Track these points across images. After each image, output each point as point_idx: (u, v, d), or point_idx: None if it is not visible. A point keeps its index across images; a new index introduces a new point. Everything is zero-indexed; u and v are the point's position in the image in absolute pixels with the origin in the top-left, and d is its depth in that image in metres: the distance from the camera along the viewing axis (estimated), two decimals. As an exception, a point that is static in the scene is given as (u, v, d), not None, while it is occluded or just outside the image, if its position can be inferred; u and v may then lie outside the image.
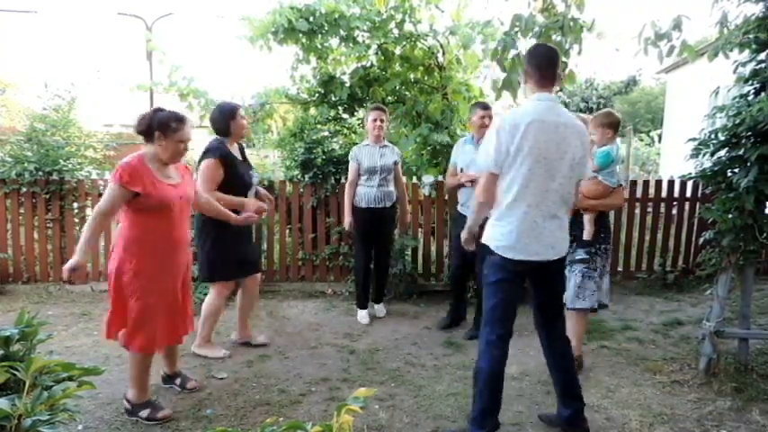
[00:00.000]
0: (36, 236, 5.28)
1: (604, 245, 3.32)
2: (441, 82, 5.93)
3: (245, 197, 3.52)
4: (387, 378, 3.37)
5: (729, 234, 3.20)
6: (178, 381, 3.19)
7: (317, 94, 6.12)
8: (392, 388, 3.23)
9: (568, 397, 2.65)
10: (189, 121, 2.82)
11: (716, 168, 3.30)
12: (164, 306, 2.79)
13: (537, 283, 2.63)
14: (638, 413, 2.92)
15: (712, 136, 3.32)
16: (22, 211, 5.24)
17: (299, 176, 5.39)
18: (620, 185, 3.39)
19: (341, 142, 5.98)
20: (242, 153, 3.71)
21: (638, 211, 5.47)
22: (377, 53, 5.90)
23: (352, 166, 4.40)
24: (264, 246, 5.35)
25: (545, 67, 2.46)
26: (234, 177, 3.45)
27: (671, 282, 5.38)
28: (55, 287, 5.27)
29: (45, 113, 5.81)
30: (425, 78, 6.11)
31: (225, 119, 3.50)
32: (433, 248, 5.32)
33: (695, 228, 5.39)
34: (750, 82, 3.23)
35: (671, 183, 5.51)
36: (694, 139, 3.43)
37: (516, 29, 3.64)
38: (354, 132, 6.36)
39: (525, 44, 3.71)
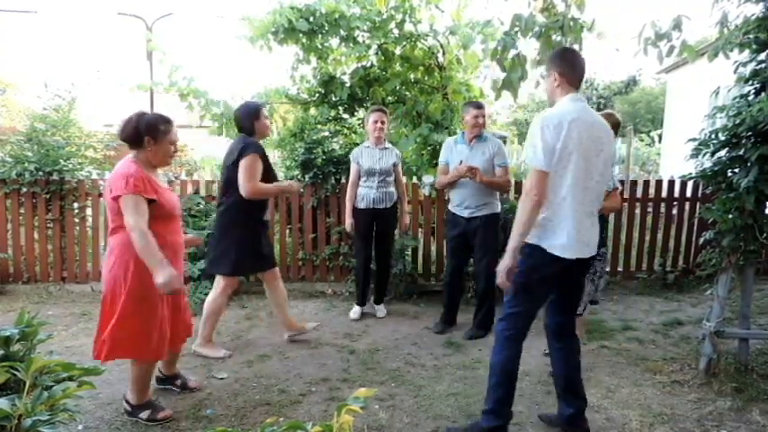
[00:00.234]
0: (36, 236, 5.28)
1: (602, 248, 3.32)
2: (441, 82, 5.94)
3: None
4: (387, 378, 3.37)
5: (729, 234, 3.20)
6: (178, 382, 3.17)
7: (317, 95, 6.12)
8: (392, 388, 3.23)
9: (572, 395, 2.65)
10: (174, 121, 2.79)
11: (716, 168, 3.30)
12: (168, 313, 2.78)
13: (562, 280, 2.61)
14: (639, 413, 2.92)
15: (712, 136, 3.31)
16: (22, 211, 5.24)
17: (299, 177, 5.39)
18: (616, 188, 3.39)
19: (341, 142, 5.98)
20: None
21: (638, 211, 5.47)
22: (377, 53, 5.90)
23: (352, 168, 4.47)
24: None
25: (580, 68, 2.52)
26: (268, 172, 3.57)
27: (671, 282, 5.38)
28: (55, 287, 5.27)
29: (45, 113, 5.81)
30: (425, 78, 6.11)
31: (250, 118, 3.58)
32: (433, 248, 5.32)
33: (695, 228, 5.39)
34: (750, 82, 3.23)
35: (671, 183, 5.51)
36: (694, 140, 3.43)
37: (516, 29, 3.64)
38: (354, 132, 6.36)
39: (525, 44, 3.71)
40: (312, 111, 6.11)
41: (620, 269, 5.51)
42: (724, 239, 3.23)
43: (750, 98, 3.23)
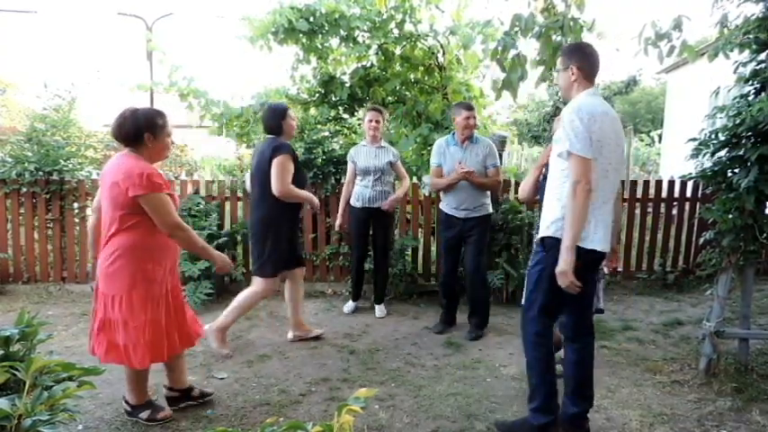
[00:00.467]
0: (36, 236, 5.28)
1: None
2: (441, 82, 5.94)
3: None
4: (387, 378, 3.37)
5: (729, 234, 3.20)
6: (196, 392, 3.00)
7: (317, 94, 6.13)
8: (392, 388, 3.23)
9: (579, 396, 2.63)
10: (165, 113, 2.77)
11: (716, 168, 3.30)
12: (173, 312, 2.76)
13: (581, 275, 2.57)
14: (639, 413, 2.92)
15: (712, 136, 3.31)
16: (22, 211, 5.24)
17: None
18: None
19: (341, 142, 5.98)
20: None
21: (638, 211, 5.47)
22: (377, 53, 5.91)
23: (349, 167, 4.54)
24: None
25: (597, 63, 2.53)
26: (298, 172, 3.62)
27: (671, 282, 5.38)
28: (55, 287, 5.27)
29: (45, 113, 5.81)
30: (426, 78, 6.11)
31: (277, 119, 3.63)
32: (433, 248, 5.32)
33: (695, 228, 5.38)
34: (750, 82, 3.23)
35: (671, 183, 5.51)
36: (694, 140, 3.43)
37: (516, 29, 3.64)
38: (354, 132, 6.37)
39: (525, 44, 3.71)
40: (312, 111, 6.11)
41: (620, 269, 5.51)
42: (724, 239, 3.23)
43: (750, 98, 3.23)
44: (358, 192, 4.46)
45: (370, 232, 4.57)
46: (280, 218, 3.62)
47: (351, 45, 5.76)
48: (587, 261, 2.45)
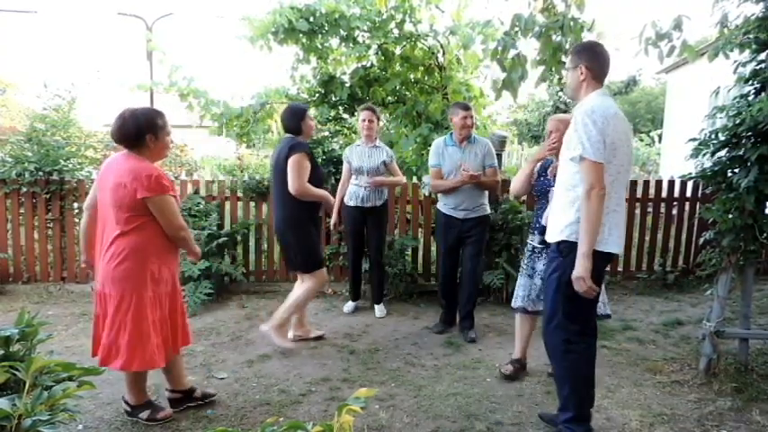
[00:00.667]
0: (36, 236, 5.28)
1: None
2: (441, 82, 5.94)
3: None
4: (387, 378, 3.37)
5: (729, 234, 3.20)
6: (198, 393, 2.98)
7: (317, 94, 6.13)
8: (392, 388, 3.23)
9: None
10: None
11: (716, 168, 3.30)
12: (174, 313, 2.76)
13: (596, 276, 2.56)
14: (639, 413, 2.92)
15: (712, 136, 3.32)
16: (22, 211, 5.24)
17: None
18: None
19: (341, 142, 5.99)
20: None
21: (638, 211, 5.47)
22: (377, 53, 5.91)
23: (344, 166, 4.57)
24: (265, 246, 5.36)
25: (607, 64, 2.51)
26: (315, 171, 3.63)
27: (671, 282, 5.38)
28: (55, 287, 5.27)
29: (45, 113, 5.81)
30: (426, 78, 6.12)
31: (296, 119, 3.66)
32: (433, 248, 5.32)
33: (695, 228, 5.39)
34: (750, 82, 3.23)
35: (671, 183, 5.51)
36: (694, 140, 3.43)
37: (516, 29, 3.64)
38: (354, 132, 6.37)
39: (525, 44, 3.71)
40: (312, 111, 6.11)
41: (620, 269, 5.51)
42: (724, 239, 3.23)
43: (750, 98, 3.23)
44: (351, 191, 4.48)
45: (365, 232, 4.57)
46: (302, 214, 3.65)
47: (351, 45, 5.76)
48: (602, 263, 2.45)
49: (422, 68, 6.06)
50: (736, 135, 3.16)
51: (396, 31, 5.72)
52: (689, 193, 5.44)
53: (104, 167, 2.68)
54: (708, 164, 3.38)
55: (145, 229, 2.58)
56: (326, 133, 5.94)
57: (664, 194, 5.58)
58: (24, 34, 45.54)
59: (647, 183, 5.67)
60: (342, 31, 5.61)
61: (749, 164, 3.06)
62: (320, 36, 5.65)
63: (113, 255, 2.58)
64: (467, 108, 4.01)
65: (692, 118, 5.98)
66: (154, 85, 6.15)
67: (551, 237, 2.54)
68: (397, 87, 5.90)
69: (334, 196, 5.22)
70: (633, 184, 5.47)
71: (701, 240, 3.63)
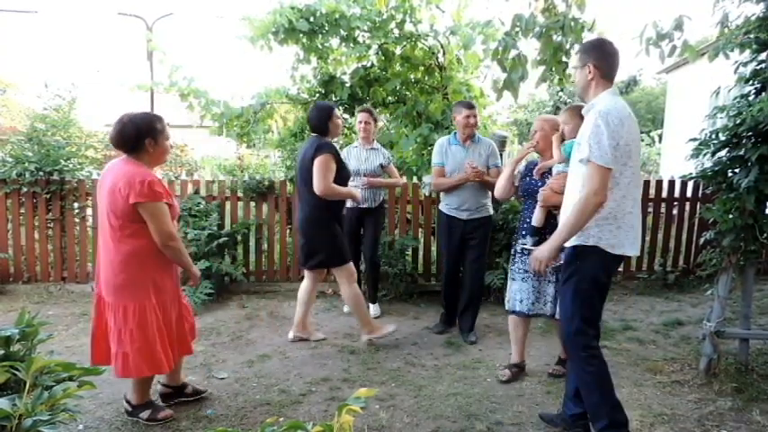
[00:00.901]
0: (36, 236, 5.28)
1: None
2: (441, 82, 5.94)
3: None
4: (387, 378, 3.37)
5: (730, 234, 3.20)
6: (189, 389, 3.03)
7: (317, 94, 6.12)
8: (392, 388, 3.23)
9: (582, 396, 2.61)
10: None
11: (716, 168, 3.30)
12: (176, 318, 2.76)
13: (609, 277, 2.56)
14: (639, 413, 2.92)
15: (713, 136, 3.31)
16: (22, 211, 5.24)
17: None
18: None
19: (341, 142, 5.98)
20: None
21: (638, 211, 5.47)
22: (377, 53, 5.91)
23: None
24: (265, 246, 5.36)
25: (617, 63, 2.45)
26: (341, 170, 3.65)
27: (671, 282, 5.38)
28: (55, 287, 5.27)
29: (45, 113, 5.81)
30: (426, 78, 6.11)
31: (323, 119, 3.67)
32: (433, 248, 5.32)
33: (696, 228, 5.39)
34: (751, 82, 3.23)
35: (671, 183, 5.51)
36: (695, 140, 3.43)
37: (517, 29, 3.64)
38: (354, 132, 6.37)
39: (526, 44, 3.71)
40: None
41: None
42: (724, 239, 3.23)
43: (750, 98, 3.23)
44: None
45: (361, 232, 4.57)
46: (324, 214, 3.67)
47: (351, 45, 5.76)
48: (614, 264, 2.45)
49: (422, 68, 6.05)
50: (737, 135, 3.16)
51: (396, 31, 5.72)
52: (689, 194, 5.44)
53: (104, 172, 2.69)
54: (708, 164, 3.38)
55: (142, 237, 2.56)
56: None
57: (664, 194, 5.59)
58: (24, 34, 45.56)
59: (647, 183, 5.67)
60: (342, 31, 5.61)
61: (749, 164, 3.06)
62: (320, 36, 5.65)
63: (114, 263, 2.58)
64: (470, 107, 4.01)
65: (693, 118, 5.98)
66: (154, 85, 6.15)
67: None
68: (398, 87, 5.90)
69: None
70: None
71: (702, 240, 3.63)
